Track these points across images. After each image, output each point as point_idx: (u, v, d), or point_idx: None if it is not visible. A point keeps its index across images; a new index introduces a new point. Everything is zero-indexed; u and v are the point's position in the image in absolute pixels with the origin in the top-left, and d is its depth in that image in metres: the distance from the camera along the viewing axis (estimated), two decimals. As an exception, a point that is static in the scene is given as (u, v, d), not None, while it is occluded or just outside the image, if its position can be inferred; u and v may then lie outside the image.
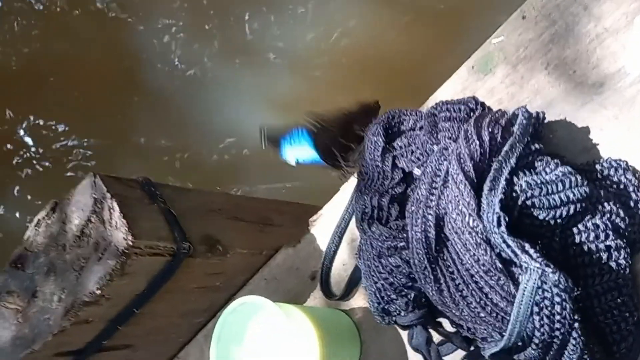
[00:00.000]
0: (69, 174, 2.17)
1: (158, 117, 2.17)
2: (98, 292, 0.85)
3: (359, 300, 0.93)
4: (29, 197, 2.19)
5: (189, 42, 2.16)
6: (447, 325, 0.80)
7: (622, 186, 0.74)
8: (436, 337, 0.81)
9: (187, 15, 2.17)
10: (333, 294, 0.94)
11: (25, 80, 2.24)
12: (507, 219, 0.65)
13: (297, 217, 1.06)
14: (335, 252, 0.94)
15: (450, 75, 0.92)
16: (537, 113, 0.76)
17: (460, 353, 0.80)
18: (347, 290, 0.92)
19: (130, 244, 0.82)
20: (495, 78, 0.86)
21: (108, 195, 0.85)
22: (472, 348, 0.79)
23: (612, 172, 0.75)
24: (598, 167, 0.76)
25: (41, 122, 2.22)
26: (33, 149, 2.21)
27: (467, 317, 0.69)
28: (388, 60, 1.92)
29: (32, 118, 2.23)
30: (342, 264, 0.94)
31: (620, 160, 0.75)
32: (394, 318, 0.78)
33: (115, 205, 0.84)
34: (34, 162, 2.20)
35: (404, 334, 0.87)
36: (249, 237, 1.01)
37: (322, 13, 2.03)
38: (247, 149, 2.06)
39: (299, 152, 0.95)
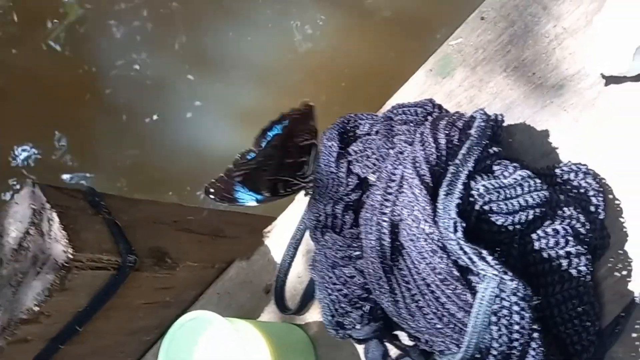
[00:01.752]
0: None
1: (117, 129, 2.12)
2: (36, 309, 0.79)
3: (315, 315, 0.89)
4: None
5: (151, 52, 2.12)
6: (405, 339, 0.76)
7: (582, 190, 0.71)
8: (393, 352, 0.78)
9: (148, 26, 2.13)
10: (288, 308, 0.90)
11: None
12: (464, 224, 0.62)
13: (251, 229, 1.02)
14: (290, 264, 0.90)
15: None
16: (496, 115, 0.73)
17: (419, 367, 0.77)
18: (302, 303, 0.89)
19: (71, 257, 0.78)
20: (454, 81, 0.84)
21: (47, 205, 0.80)
22: (430, 362, 0.76)
23: (572, 176, 0.72)
24: (558, 171, 0.73)
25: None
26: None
27: (423, 329, 0.66)
28: (351, 68, 1.90)
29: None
30: (298, 277, 0.91)
31: (580, 164, 0.73)
32: (348, 332, 0.74)
33: (54, 216, 0.80)
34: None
35: (362, 351, 0.83)
36: (200, 250, 0.97)
37: (286, 22, 2.01)
38: (207, 163, 2.03)
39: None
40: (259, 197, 0.84)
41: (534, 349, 0.59)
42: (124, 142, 2.11)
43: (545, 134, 0.77)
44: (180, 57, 2.10)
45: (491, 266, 0.59)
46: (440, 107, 0.77)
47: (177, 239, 0.95)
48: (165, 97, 2.09)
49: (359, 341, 0.75)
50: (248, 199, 0.84)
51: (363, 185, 0.78)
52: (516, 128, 0.79)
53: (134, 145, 2.10)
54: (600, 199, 0.71)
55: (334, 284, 0.74)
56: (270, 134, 0.85)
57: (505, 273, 0.59)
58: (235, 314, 0.94)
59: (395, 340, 0.76)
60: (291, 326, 0.89)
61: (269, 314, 0.93)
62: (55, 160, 2.14)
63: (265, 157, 0.85)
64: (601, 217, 0.70)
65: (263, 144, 0.85)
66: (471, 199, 0.65)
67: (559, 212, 0.67)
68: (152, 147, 2.09)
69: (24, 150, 2.15)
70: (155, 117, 2.09)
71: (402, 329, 0.73)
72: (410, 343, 0.75)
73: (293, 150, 0.85)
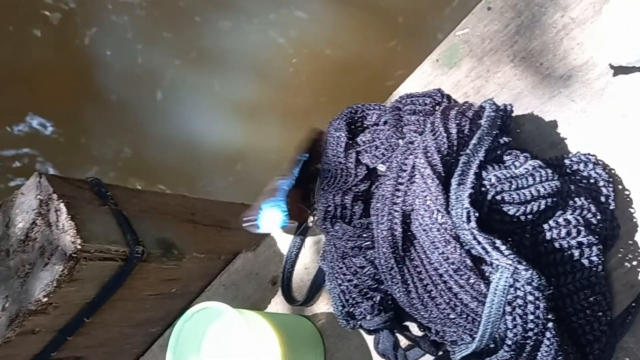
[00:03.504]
0: (17, 181, 2.09)
1: (114, 122, 2.11)
2: (45, 299, 0.79)
3: (322, 306, 0.89)
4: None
5: (148, 44, 2.11)
6: (415, 329, 0.76)
7: (592, 181, 0.71)
8: (403, 342, 0.78)
9: (145, 17, 2.12)
10: (295, 299, 0.90)
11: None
12: (477, 214, 0.62)
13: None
14: (297, 256, 0.90)
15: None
16: (505, 106, 0.73)
17: (429, 358, 0.77)
18: (310, 295, 0.88)
19: (79, 247, 0.77)
20: (461, 72, 0.84)
21: (54, 196, 0.80)
22: (440, 353, 0.76)
23: (581, 166, 0.72)
24: (567, 161, 0.73)
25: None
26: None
27: (436, 319, 0.66)
28: (353, 59, 1.90)
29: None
30: (305, 268, 0.91)
31: (589, 154, 0.73)
32: (359, 322, 0.75)
33: (62, 206, 0.79)
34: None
35: (370, 341, 0.84)
36: (206, 241, 0.96)
37: (281, 15, 2.00)
38: (205, 155, 2.02)
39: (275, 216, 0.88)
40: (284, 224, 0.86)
41: (548, 339, 0.59)
42: (117, 133, 2.10)
43: (553, 124, 0.77)
44: (175, 48, 2.09)
45: (505, 256, 0.59)
46: (449, 97, 0.78)
47: (183, 230, 0.94)
48: (159, 88, 2.08)
49: (370, 331, 0.76)
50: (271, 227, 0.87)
51: (372, 175, 0.78)
52: (524, 118, 0.79)
53: (127, 137, 2.09)
54: (611, 189, 0.71)
55: (344, 274, 0.74)
56: (302, 160, 0.86)
57: (520, 263, 0.59)
58: (241, 305, 0.94)
59: (405, 331, 0.76)
60: (299, 317, 0.89)
61: (276, 305, 0.93)
62: (46, 154, 2.13)
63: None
64: (611, 207, 0.70)
65: (295, 172, 0.86)
66: (483, 189, 0.65)
67: (570, 202, 0.67)
68: (146, 138, 2.09)
69: (13, 141, 2.14)
70: (148, 107, 2.08)
71: (413, 320, 0.73)
72: (420, 334, 0.75)
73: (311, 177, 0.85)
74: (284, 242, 0.93)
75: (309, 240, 0.90)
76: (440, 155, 0.66)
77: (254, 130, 2.01)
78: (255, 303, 0.94)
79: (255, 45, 2.02)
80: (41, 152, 2.13)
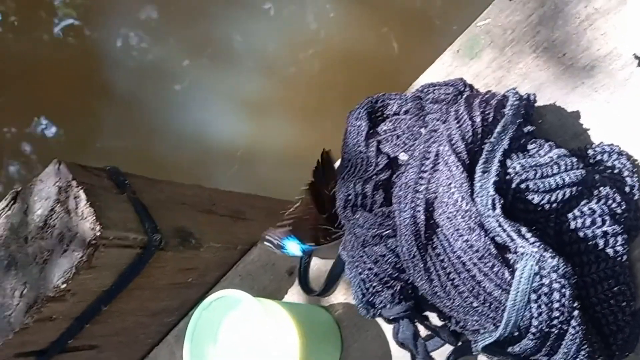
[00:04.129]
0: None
1: (124, 118, 2.11)
2: (63, 286, 0.79)
3: (339, 296, 0.89)
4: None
5: (157, 41, 2.11)
6: (434, 319, 0.76)
7: (616, 171, 0.71)
8: (423, 332, 0.78)
9: (154, 15, 2.12)
10: (312, 289, 0.90)
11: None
12: (502, 201, 0.61)
13: (269, 212, 1.02)
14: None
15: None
16: (528, 95, 0.73)
17: (448, 348, 0.76)
18: (327, 285, 0.88)
19: (98, 234, 0.77)
20: (482, 62, 0.83)
21: (74, 183, 0.80)
22: (459, 343, 0.76)
23: (605, 157, 0.72)
24: (590, 152, 0.73)
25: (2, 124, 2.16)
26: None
27: (458, 308, 0.65)
28: (362, 56, 1.90)
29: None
30: (322, 258, 0.90)
31: (613, 144, 0.72)
32: (379, 311, 0.74)
33: (81, 193, 0.79)
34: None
35: (387, 332, 0.83)
36: (222, 231, 0.96)
37: (291, 11, 2.00)
38: (213, 150, 2.02)
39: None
40: (305, 247, 0.84)
41: (573, 327, 0.59)
42: (127, 129, 2.10)
43: (576, 115, 0.77)
44: (185, 44, 2.09)
45: (531, 243, 0.59)
46: (471, 86, 0.77)
47: (199, 220, 0.94)
48: (168, 85, 2.08)
49: (389, 321, 0.75)
50: (294, 249, 0.85)
51: (392, 165, 0.78)
52: (546, 109, 0.78)
53: (137, 133, 2.10)
54: (635, 179, 0.70)
55: (365, 262, 0.73)
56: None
57: (546, 250, 0.58)
58: (258, 296, 0.94)
59: (425, 320, 0.75)
60: (316, 307, 0.89)
61: (292, 295, 0.93)
62: (54, 149, 2.13)
63: (306, 206, 0.85)
64: (636, 197, 0.70)
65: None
66: (507, 177, 0.65)
67: (595, 191, 0.67)
68: (156, 135, 2.09)
69: (26, 137, 2.14)
70: (157, 104, 2.08)
71: (433, 309, 0.72)
72: (440, 323, 0.75)
73: (327, 200, 0.82)
74: (301, 233, 0.93)
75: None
76: (464, 143, 0.65)
77: (263, 126, 2.02)
78: (272, 293, 0.94)
79: (265, 41, 2.02)
80: (50, 149, 2.13)
